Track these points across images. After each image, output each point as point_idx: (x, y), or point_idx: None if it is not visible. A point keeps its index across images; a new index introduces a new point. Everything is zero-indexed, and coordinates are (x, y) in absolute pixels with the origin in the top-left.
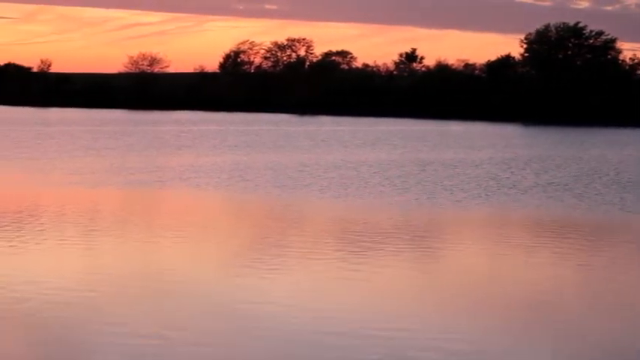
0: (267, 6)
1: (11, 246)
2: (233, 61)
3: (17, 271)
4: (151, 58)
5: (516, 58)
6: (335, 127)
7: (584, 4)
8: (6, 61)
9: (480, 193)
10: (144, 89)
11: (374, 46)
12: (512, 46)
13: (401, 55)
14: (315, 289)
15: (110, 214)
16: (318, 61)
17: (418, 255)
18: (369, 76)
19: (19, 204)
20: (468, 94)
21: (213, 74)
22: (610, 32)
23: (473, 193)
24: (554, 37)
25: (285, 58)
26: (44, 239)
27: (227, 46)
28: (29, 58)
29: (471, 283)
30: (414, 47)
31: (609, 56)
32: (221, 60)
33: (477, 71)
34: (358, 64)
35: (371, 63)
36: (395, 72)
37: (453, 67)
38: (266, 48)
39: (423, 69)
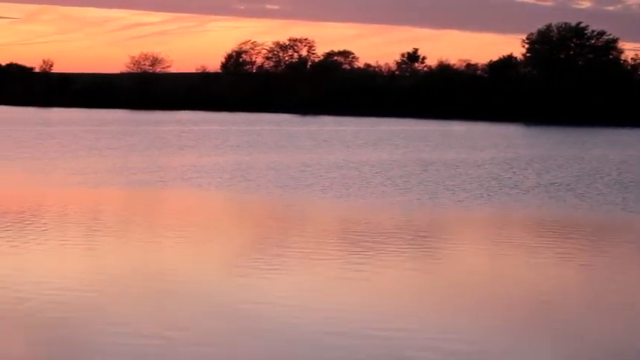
0: (269, 6)
1: (13, 246)
2: (235, 61)
3: (19, 271)
4: (153, 58)
5: (518, 58)
6: (337, 127)
7: (586, 4)
8: (8, 61)
9: (482, 193)
10: (146, 89)
11: (375, 46)
12: (514, 46)
13: (403, 55)
14: (316, 289)
15: (112, 214)
16: (320, 61)
17: (420, 255)
18: (371, 76)
19: (20, 204)
20: (469, 94)
21: (215, 74)
22: (612, 32)
23: (475, 193)
24: (555, 37)
25: (287, 58)
26: (46, 239)
27: (229, 46)
28: (31, 58)
29: (472, 283)
30: (416, 47)
31: (611, 56)
32: (223, 60)
33: (478, 71)
34: (360, 64)
35: (372, 63)
36: (397, 72)
37: (455, 67)
38: (268, 48)
39: (425, 69)
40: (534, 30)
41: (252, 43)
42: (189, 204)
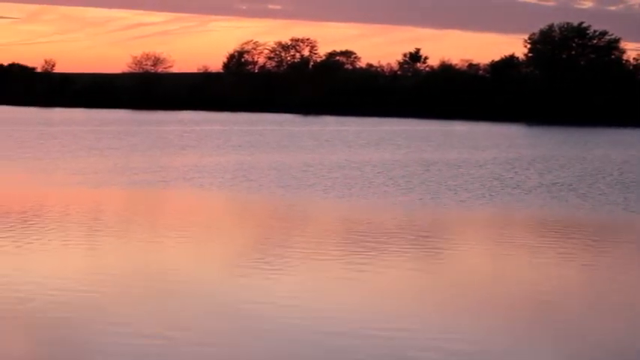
0: (271, 6)
1: (15, 246)
2: (237, 61)
3: (21, 271)
4: (155, 58)
5: (520, 58)
6: (339, 127)
7: (588, 4)
8: (10, 61)
9: (484, 193)
10: (147, 89)
11: (377, 46)
12: (515, 46)
13: (405, 55)
14: (318, 289)
15: (114, 214)
16: (322, 61)
17: (421, 255)
18: (373, 76)
19: (22, 204)
20: (471, 94)
21: (216, 74)
22: (614, 32)
23: (477, 193)
24: (557, 37)
25: (289, 58)
26: (47, 239)
27: (231, 46)
28: (33, 59)
29: (474, 283)
30: (418, 47)
31: (613, 56)
32: (225, 60)
33: (480, 71)
34: (362, 64)
35: (374, 63)
36: (399, 72)
37: (457, 67)
38: (270, 48)
39: (427, 69)
40: (536, 30)
41: (254, 43)
42: (191, 204)
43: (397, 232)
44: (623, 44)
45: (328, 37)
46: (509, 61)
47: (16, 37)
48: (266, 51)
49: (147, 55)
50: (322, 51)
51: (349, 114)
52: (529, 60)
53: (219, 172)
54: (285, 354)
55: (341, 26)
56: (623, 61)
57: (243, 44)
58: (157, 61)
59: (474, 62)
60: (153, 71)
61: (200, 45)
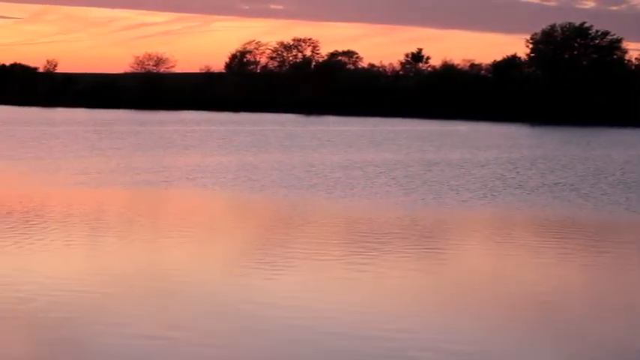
0: (273, 6)
1: (16, 246)
2: (239, 61)
3: (22, 272)
4: (157, 58)
5: (522, 58)
6: (341, 127)
7: (590, 4)
8: (12, 61)
9: (486, 193)
10: (150, 89)
11: (379, 46)
12: (517, 46)
13: (407, 55)
14: (319, 290)
15: (116, 215)
16: (324, 61)
17: (424, 255)
18: (374, 76)
19: (24, 204)
20: (473, 94)
21: (219, 74)
22: (616, 32)
23: (479, 193)
24: (559, 37)
25: (291, 58)
26: (49, 239)
27: (233, 46)
28: (35, 58)
29: (474, 284)
30: (420, 47)
31: (615, 56)
32: (227, 60)
33: (482, 71)
34: (364, 64)
35: (376, 63)
36: (401, 72)
37: (459, 67)
38: (272, 48)
39: (429, 69)
40: (538, 30)
41: (256, 43)
42: (193, 204)
43: (399, 232)
44: (625, 44)
45: (330, 37)
46: (511, 61)
47: (18, 37)
48: (268, 51)
49: (149, 55)
50: (324, 51)
51: (351, 114)
52: (531, 60)
53: (222, 172)
54: (285, 354)
55: (343, 26)
56: (625, 61)
57: (245, 44)
58: (159, 61)
59: (476, 62)
60: (155, 71)
61: (202, 45)
